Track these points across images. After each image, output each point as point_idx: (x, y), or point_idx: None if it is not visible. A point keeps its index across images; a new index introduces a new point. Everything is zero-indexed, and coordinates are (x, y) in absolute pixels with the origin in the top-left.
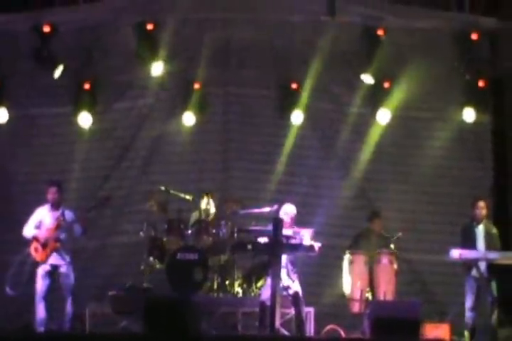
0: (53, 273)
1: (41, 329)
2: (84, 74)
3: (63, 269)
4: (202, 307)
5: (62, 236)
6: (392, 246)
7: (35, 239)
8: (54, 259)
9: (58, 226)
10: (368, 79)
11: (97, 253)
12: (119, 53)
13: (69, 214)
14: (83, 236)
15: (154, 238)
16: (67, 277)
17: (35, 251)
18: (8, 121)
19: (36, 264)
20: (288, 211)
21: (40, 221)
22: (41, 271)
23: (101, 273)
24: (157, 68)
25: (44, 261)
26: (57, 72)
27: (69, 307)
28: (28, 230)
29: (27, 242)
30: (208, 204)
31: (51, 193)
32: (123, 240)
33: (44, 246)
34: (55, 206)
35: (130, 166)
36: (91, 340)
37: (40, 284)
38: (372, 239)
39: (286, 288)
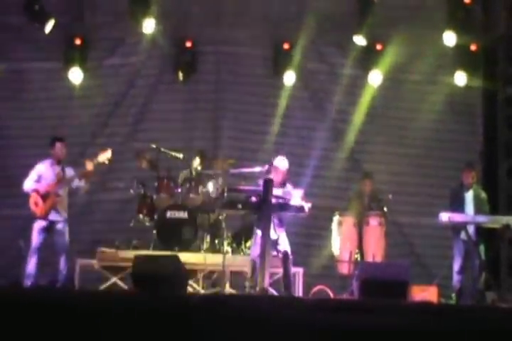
0: (49, 228)
1: (29, 283)
2: (75, 30)
3: (59, 226)
4: (190, 265)
5: (61, 191)
6: (385, 208)
7: (35, 191)
8: (52, 215)
9: (59, 182)
10: (360, 40)
11: (87, 209)
12: (111, 9)
13: (69, 171)
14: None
15: (144, 195)
16: (62, 235)
17: (35, 205)
18: None
19: (32, 219)
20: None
21: (40, 175)
22: (38, 225)
23: (90, 229)
24: (149, 25)
25: (43, 216)
26: (48, 27)
27: (63, 266)
28: (29, 183)
29: (20, 196)
30: (198, 163)
31: (59, 149)
32: (113, 197)
33: (44, 199)
34: (57, 161)
35: (121, 123)
36: (79, 296)
37: (36, 238)
38: (363, 200)
39: (274, 243)
